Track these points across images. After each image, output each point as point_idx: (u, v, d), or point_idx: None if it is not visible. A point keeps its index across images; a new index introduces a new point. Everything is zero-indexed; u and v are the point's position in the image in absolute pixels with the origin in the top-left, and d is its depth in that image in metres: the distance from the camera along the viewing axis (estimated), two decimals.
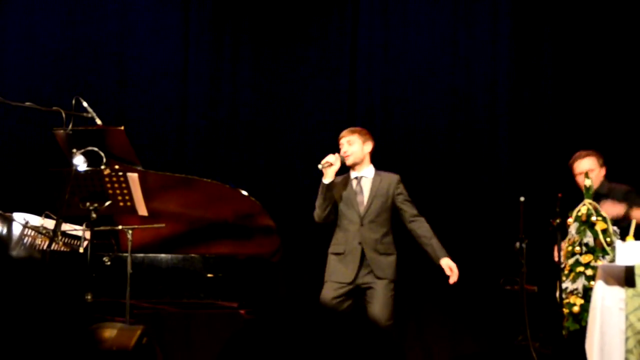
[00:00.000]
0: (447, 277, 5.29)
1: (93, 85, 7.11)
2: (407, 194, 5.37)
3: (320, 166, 5.19)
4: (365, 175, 5.37)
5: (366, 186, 5.34)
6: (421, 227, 5.32)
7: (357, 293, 5.26)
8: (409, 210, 5.34)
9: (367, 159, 5.39)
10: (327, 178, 5.20)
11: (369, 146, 5.37)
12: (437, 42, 7.24)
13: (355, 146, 5.33)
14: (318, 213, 5.27)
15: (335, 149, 5.34)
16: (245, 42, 7.35)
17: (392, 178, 5.38)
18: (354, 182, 5.35)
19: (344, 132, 5.38)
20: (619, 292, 4.61)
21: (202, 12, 7.38)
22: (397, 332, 6.79)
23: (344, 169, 5.35)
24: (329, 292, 5.23)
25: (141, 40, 7.33)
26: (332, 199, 5.26)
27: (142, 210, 4.91)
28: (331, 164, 5.19)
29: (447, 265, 5.27)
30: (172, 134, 7.26)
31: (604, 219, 5.40)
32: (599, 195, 5.47)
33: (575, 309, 5.35)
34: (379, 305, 5.17)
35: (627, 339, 4.50)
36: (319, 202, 5.25)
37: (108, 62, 7.28)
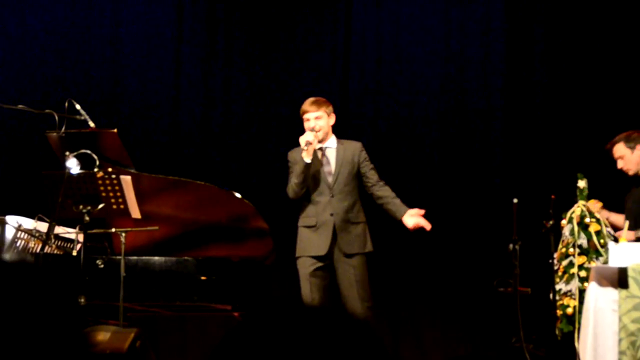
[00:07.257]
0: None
1: (85, 87, 7.08)
2: (370, 160, 5.40)
3: (304, 146, 5.16)
4: (329, 146, 5.37)
5: (332, 156, 5.34)
6: (383, 189, 5.34)
7: (331, 272, 5.23)
8: (372, 176, 5.35)
9: (330, 130, 5.40)
10: (309, 157, 5.19)
11: (333, 118, 5.38)
12: (430, 37, 7.20)
13: (322, 121, 5.31)
14: (296, 190, 5.24)
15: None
16: (239, 39, 7.30)
17: (355, 145, 5.40)
18: (319, 154, 5.33)
19: (309, 107, 5.34)
20: (612, 294, 4.61)
21: (196, 9, 7.34)
22: (391, 333, 6.79)
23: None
24: (306, 269, 5.21)
25: (133, 40, 7.28)
26: (309, 176, 5.25)
27: (136, 213, 4.90)
28: (311, 143, 5.18)
29: (414, 214, 5.25)
30: (165, 136, 7.23)
31: (598, 221, 5.41)
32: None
33: (569, 310, 5.36)
34: (354, 286, 5.16)
35: (620, 340, 4.50)
36: (298, 180, 5.21)
37: (100, 62, 7.23)
